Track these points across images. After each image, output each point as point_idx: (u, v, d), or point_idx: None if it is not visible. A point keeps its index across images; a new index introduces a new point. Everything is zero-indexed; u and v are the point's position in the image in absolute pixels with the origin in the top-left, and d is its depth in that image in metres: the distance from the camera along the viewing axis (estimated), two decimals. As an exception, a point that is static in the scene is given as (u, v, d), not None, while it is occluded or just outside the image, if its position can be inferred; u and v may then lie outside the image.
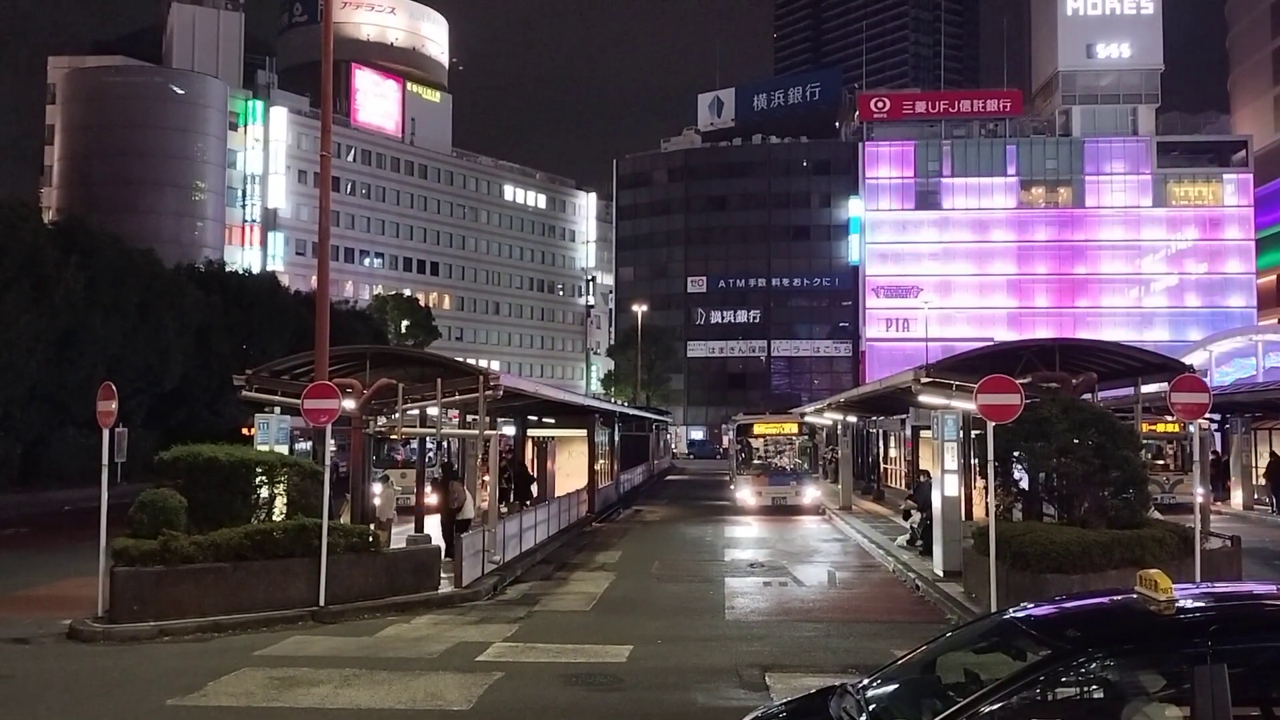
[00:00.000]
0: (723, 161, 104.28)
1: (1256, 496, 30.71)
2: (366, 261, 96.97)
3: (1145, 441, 18.53)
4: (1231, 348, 46.11)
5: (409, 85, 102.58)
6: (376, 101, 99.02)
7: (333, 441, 16.86)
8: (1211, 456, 33.36)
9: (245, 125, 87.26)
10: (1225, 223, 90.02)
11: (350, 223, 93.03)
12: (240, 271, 60.96)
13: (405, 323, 75.91)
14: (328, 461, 15.17)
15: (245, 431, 17.64)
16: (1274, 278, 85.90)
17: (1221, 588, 7.19)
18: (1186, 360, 22.87)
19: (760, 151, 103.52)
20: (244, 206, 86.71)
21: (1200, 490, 14.45)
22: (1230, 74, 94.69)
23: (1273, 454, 30.99)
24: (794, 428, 33.44)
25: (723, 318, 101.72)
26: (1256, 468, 31.62)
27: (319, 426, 14.88)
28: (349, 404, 16.00)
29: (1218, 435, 34.50)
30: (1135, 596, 5.05)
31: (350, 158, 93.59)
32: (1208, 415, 25.51)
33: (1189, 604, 5.02)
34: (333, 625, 13.27)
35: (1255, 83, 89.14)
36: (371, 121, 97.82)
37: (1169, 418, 20.30)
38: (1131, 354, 18.40)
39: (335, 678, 10.39)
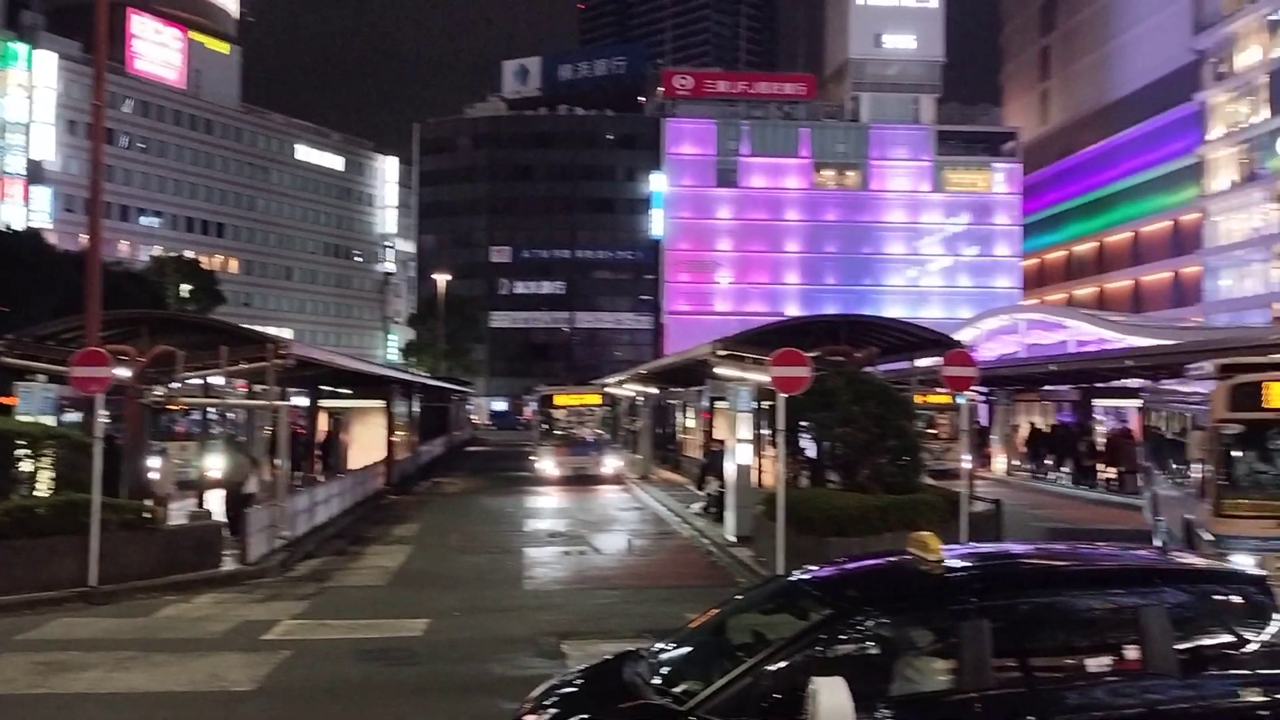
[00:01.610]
0: (529, 131, 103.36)
1: (1016, 463, 33.29)
2: (144, 220, 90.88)
3: (920, 411, 19.71)
4: (998, 325, 49.29)
5: (193, 34, 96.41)
6: (156, 50, 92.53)
7: (105, 412, 15.79)
8: (977, 426, 35.91)
9: (7, 69, 79.73)
10: (995, 209, 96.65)
11: (126, 178, 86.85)
12: (2, 229, 55.88)
13: (187, 287, 71.56)
14: (99, 434, 14.19)
15: (4, 400, 16.24)
16: (1037, 261, 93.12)
17: (984, 548, 7.77)
18: (958, 336, 24.43)
19: (566, 122, 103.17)
20: (6, 158, 79.44)
21: (967, 457, 15.51)
22: (1003, 69, 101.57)
23: (1032, 424, 33.76)
24: (596, 399, 33.91)
25: (527, 288, 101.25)
26: (1016, 437, 34.29)
27: (89, 395, 13.92)
28: (123, 372, 15.04)
29: (984, 406, 37.11)
30: (909, 557, 5.39)
31: (127, 108, 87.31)
32: (975, 388, 27.37)
33: (956, 564, 5.42)
34: (105, 606, 12.52)
35: (1025, 78, 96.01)
36: (151, 71, 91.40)
37: (941, 389, 21.65)
38: (910, 330, 19.53)
39: (108, 661, 9.81)
